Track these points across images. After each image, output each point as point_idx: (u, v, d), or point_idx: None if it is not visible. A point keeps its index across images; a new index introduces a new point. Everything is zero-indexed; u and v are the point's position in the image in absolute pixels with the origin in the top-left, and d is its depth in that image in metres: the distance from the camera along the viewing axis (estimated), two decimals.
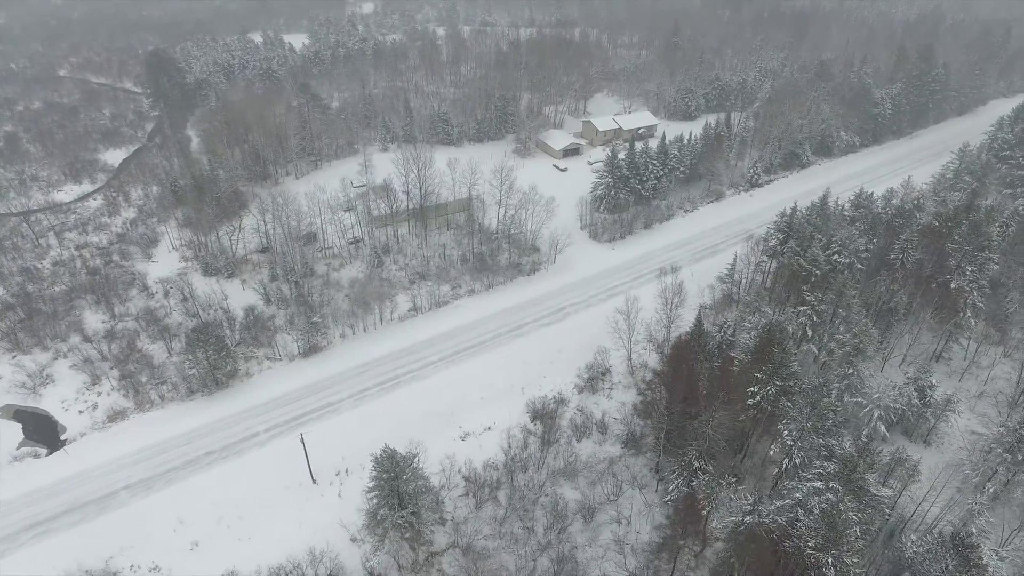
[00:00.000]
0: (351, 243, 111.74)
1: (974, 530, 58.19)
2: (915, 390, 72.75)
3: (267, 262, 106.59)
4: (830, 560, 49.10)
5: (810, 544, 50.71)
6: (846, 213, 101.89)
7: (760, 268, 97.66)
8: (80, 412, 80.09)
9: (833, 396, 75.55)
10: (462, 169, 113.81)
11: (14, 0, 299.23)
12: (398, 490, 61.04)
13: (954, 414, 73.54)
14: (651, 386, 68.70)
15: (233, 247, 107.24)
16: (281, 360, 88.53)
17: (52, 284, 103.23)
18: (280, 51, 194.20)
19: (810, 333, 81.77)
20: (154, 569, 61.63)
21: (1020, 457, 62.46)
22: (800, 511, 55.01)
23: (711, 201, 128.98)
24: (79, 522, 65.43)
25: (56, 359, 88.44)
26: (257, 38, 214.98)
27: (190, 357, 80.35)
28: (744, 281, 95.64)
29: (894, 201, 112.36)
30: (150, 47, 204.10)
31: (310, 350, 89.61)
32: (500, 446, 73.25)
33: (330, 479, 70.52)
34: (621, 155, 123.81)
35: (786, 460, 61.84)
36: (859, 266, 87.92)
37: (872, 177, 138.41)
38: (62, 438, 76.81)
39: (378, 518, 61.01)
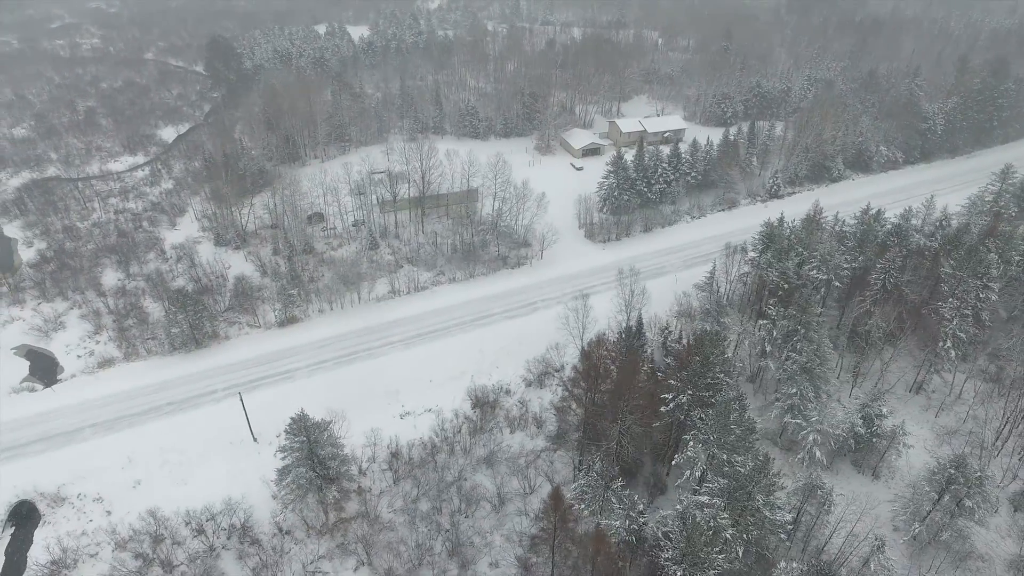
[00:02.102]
0: (353, 225, 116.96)
1: (872, 567, 55.00)
2: (861, 418, 68.85)
3: (272, 237, 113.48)
4: (680, 573, 48.25)
5: (666, 555, 50.02)
6: (847, 229, 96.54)
7: (744, 279, 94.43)
8: (78, 357, 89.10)
9: (773, 415, 73.29)
10: (461, 161, 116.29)
11: None
12: (309, 453, 64.83)
13: (905, 447, 68.93)
14: (574, 382, 68.73)
15: (243, 221, 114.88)
16: (260, 328, 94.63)
17: (86, 243, 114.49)
18: (335, 41, 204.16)
19: (768, 348, 78.93)
20: (97, 499, 68.34)
21: (947, 498, 58.06)
22: (679, 523, 54.15)
23: (722, 209, 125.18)
24: (45, 450, 73.40)
25: (72, 308, 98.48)
26: (322, 29, 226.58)
27: (171, 317, 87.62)
28: (722, 290, 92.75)
29: (913, 221, 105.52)
30: (227, 34, 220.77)
31: (287, 321, 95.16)
32: (432, 428, 75.55)
33: (270, 439, 75.02)
34: (628, 157, 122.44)
35: (688, 472, 60.48)
36: (836, 284, 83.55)
37: (908, 196, 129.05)
38: (57, 377, 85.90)
39: (287, 480, 65.03)
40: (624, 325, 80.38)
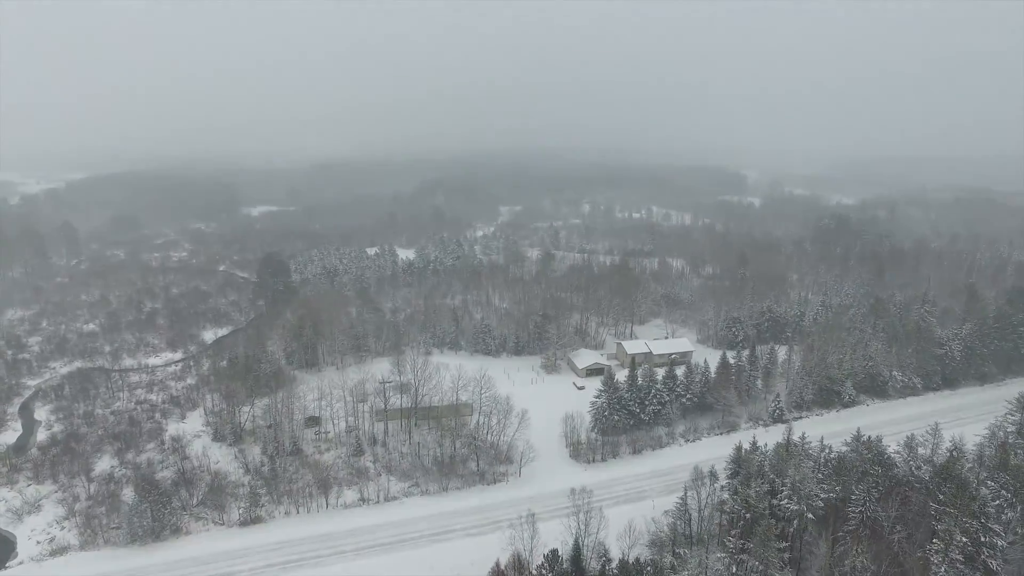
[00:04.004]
0: (347, 431, 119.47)
1: None
2: None
3: (266, 436, 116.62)
4: None
5: None
6: (832, 456, 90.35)
7: (721, 507, 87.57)
8: (37, 543, 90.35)
9: None
10: (450, 375, 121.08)
11: (220, 214, 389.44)
12: None
13: None
14: None
15: (242, 419, 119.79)
16: (223, 525, 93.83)
17: (97, 429, 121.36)
18: (379, 261, 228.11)
19: None
20: None
21: None
22: None
23: (719, 433, 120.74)
24: None
25: (56, 492, 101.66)
26: (374, 250, 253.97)
27: (135, 507, 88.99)
28: (695, 517, 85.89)
29: (921, 451, 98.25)
30: (295, 251, 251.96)
31: (251, 520, 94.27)
32: None
33: None
34: (620, 377, 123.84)
35: None
36: (809, 516, 76.28)
37: (925, 424, 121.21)
38: (7, 564, 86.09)
39: None
40: (571, 548, 74.87)
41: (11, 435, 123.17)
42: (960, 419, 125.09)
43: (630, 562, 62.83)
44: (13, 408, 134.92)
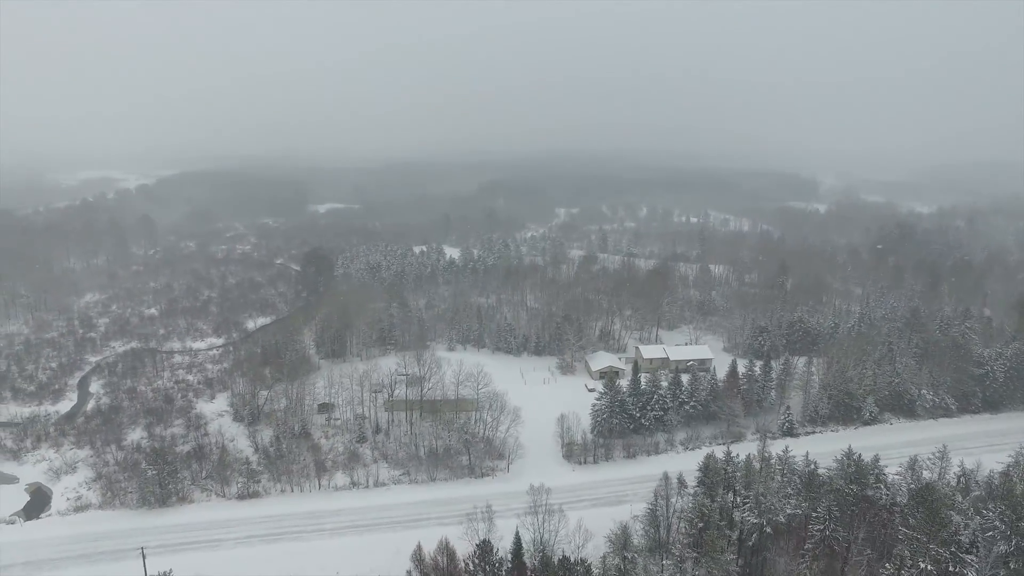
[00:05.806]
0: (356, 419, 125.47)
1: None
2: None
3: (280, 420, 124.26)
4: None
5: None
6: (823, 471, 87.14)
7: (682, 516, 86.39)
8: (67, 499, 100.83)
9: None
10: (452, 371, 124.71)
11: (289, 211, 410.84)
12: None
13: None
14: None
15: (260, 402, 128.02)
16: (223, 497, 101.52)
17: (137, 403, 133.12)
18: (422, 259, 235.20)
19: None
20: None
21: None
22: None
23: (722, 443, 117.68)
24: None
25: (91, 456, 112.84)
26: (420, 248, 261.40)
27: (144, 473, 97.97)
28: (664, 524, 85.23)
29: (926, 474, 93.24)
30: (349, 247, 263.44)
31: (248, 495, 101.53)
32: None
33: None
34: (623, 382, 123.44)
35: None
36: (768, 530, 74.33)
37: (956, 448, 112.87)
38: (40, 515, 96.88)
39: None
40: (513, 542, 76.39)
41: (67, 404, 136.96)
42: (993, 445, 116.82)
43: (566, 560, 63.92)
44: (73, 380, 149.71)
